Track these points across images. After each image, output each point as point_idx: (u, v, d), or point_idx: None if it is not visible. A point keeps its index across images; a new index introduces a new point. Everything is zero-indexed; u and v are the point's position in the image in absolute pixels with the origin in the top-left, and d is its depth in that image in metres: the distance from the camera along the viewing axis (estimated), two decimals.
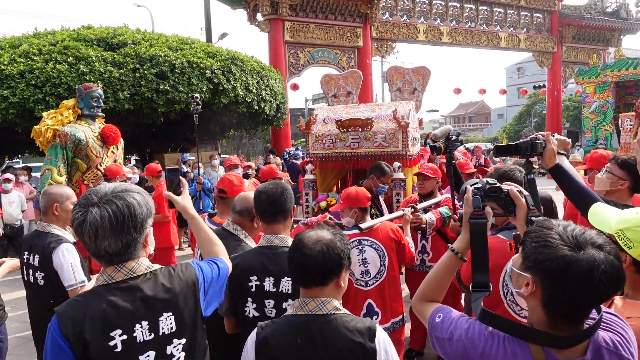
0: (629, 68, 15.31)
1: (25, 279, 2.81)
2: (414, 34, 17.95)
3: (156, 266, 1.53)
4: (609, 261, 1.15)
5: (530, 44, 20.62)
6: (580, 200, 2.06)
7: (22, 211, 7.78)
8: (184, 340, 1.51)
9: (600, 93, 16.07)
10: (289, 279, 2.03)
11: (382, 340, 1.56)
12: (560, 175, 2.10)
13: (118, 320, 1.40)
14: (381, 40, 17.46)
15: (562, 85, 22.37)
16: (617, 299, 1.69)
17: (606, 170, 2.77)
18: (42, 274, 2.72)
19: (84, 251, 4.34)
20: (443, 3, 18.58)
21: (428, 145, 4.41)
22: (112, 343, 1.38)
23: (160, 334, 1.46)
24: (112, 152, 5.12)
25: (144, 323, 1.43)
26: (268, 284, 2.06)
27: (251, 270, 2.06)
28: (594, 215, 1.71)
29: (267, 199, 2.14)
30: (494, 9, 19.57)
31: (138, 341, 1.42)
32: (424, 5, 18.21)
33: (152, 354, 1.44)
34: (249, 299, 2.07)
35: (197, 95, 5.89)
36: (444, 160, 4.18)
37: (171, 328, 1.48)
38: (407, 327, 3.88)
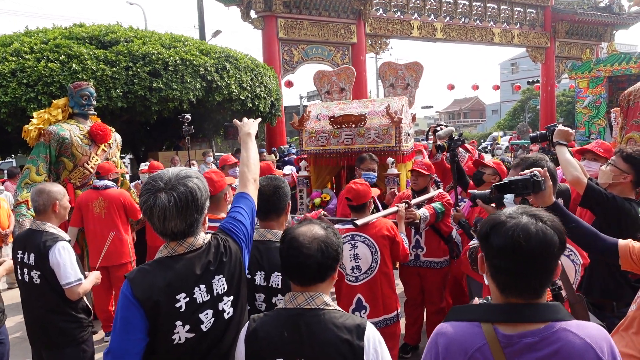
0: (621, 63, 15.36)
1: (20, 278, 2.80)
2: (408, 30, 17.94)
3: (209, 237, 1.74)
4: (535, 225, 1.19)
5: (523, 39, 20.65)
6: (579, 236, 2.04)
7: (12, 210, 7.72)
8: (232, 297, 1.72)
9: (593, 88, 16.10)
10: (279, 274, 2.04)
11: (373, 339, 1.53)
12: (557, 214, 2.05)
13: (181, 285, 1.60)
14: (375, 37, 17.43)
15: (556, 80, 22.44)
16: None
17: (610, 163, 2.76)
18: (38, 273, 2.72)
19: (77, 248, 4.34)
20: None
21: (431, 142, 4.44)
22: (177, 305, 1.58)
23: (215, 294, 1.66)
24: (103, 150, 5.07)
25: (202, 286, 1.64)
26: (259, 278, 2.07)
27: None
28: None
29: (260, 197, 2.13)
30: (488, 5, 19.57)
31: (198, 302, 1.62)
32: (418, 2, 18.19)
33: (209, 312, 1.65)
34: None
35: (188, 116, 5.67)
36: (446, 154, 4.24)
37: (223, 288, 1.69)
38: (402, 322, 3.91)
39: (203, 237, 1.71)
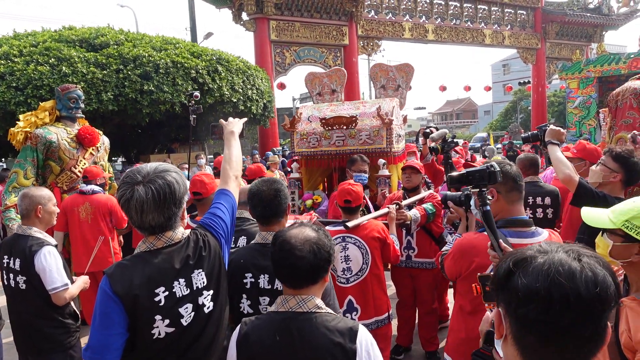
0: (611, 63, 15.51)
1: (6, 283, 2.77)
2: (400, 32, 18.01)
3: (188, 231, 1.74)
4: (577, 260, 0.87)
5: (514, 40, 20.80)
6: None
7: None
8: (211, 292, 1.72)
9: (583, 88, 16.25)
10: None
11: (365, 342, 1.53)
12: None
13: (160, 279, 1.60)
14: (367, 39, 17.49)
15: (547, 81, 22.62)
16: (628, 302, 1.61)
17: (600, 163, 2.79)
18: (24, 278, 2.68)
19: (65, 253, 4.28)
20: (428, 1, 18.66)
21: (421, 145, 4.46)
22: (157, 299, 1.57)
23: (195, 288, 1.66)
24: (90, 153, 5.03)
25: (181, 280, 1.64)
26: (263, 281, 2.03)
27: (246, 267, 2.03)
28: (588, 217, 1.72)
29: (260, 202, 2.11)
30: (478, 6, 19.70)
31: (177, 296, 1.62)
32: (409, 3, 18.27)
33: (189, 306, 1.64)
34: (244, 296, 2.05)
35: (197, 93, 5.62)
36: (436, 157, 4.26)
37: (203, 282, 1.69)
38: (394, 323, 3.90)
39: (182, 231, 1.71)
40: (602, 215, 1.67)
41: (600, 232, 1.70)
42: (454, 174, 1.98)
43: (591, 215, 1.71)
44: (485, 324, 1.20)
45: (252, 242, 2.19)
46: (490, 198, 1.94)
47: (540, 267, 0.86)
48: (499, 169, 1.86)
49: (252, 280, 2.04)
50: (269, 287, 2.03)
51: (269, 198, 2.11)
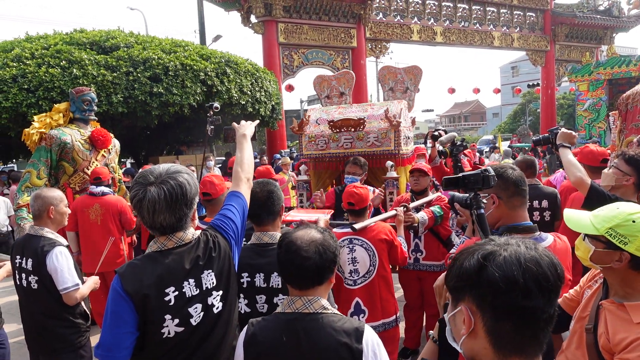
0: (621, 66, 15.39)
1: (18, 283, 2.81)
2: (408, 34, 17.98)
3: (198, 232, 1.77)
4: (533, 249, 0.96)
5: (523, 42, 20.68)
6: None
7: (9, 217, 7.61)
8: (221, 292, 1.73)
9: (593, 91, 16.13)
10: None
11: (371, 342, 1.54)
12: None
13: (171, 279, 1.62)
14: (375, 41, 17.48)
15: (556, 83, 22.45)
16: (607, 305, 1.58)
17: (613, 166, 2.77)
18: (36, 278, 2.72)
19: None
20: (436, 3, 18.61)
21: (430, 147, 4.46)
22: (166, 298, 1.60)
23: (204, 288, 1.68)
24: (102, 155, 5.11)
25: (191, 281, 1.66)
26: (259, 279, 2.09)
27: (242, 267, 2.07)
28: (570, 221, 1.67)
29: (254, 203, 2.15)
30: (487, 9, 19.62)
31: (187, 296, 1.64)
32: (417, 6, 18.24)
33: (199, 306, 1.66)
34: (241, 295, 2.10)
35: (217, 104, 5.64)
36: (445, 160, 4.25)
37: (212, 283, 1.71)
38: (402, 326, 3.90)
39: (192, 232, 1.74)
40: (584, 219, 1.62)
41: (582, 236, 1.66)
42: (449, 177, 1.99)
43: (573, 218, 1.66)
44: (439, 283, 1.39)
45: (248, 243, 2.24)
46: (485, 202, 1.93)
47: (509, 257, 0.93)
48: (493, 174, 1.85)
49: (249, 279, 2.10)
50: (265, 285, 2.08)
51: (262, 199, 2.16)
